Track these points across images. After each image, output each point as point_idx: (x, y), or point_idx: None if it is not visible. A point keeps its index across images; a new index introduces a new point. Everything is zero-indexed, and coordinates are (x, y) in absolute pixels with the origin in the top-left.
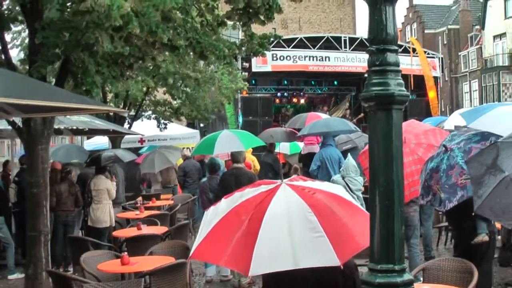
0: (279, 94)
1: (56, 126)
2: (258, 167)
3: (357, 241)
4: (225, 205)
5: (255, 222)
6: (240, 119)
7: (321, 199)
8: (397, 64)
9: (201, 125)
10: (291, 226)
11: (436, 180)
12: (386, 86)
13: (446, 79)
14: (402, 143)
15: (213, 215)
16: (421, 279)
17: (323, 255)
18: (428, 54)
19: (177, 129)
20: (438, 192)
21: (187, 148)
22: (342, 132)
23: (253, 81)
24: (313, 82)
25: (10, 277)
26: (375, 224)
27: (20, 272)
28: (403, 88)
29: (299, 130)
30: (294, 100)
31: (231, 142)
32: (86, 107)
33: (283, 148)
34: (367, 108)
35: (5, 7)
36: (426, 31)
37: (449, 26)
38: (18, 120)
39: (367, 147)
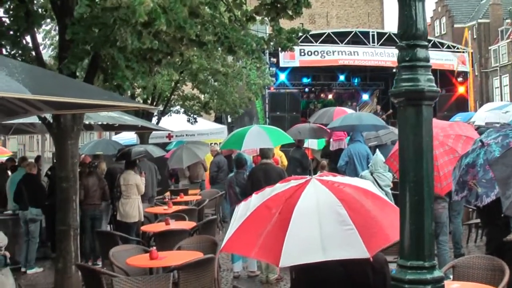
0: (306, 89)
1: (85, 122)
2: (285, 162)
3: (387, 233)
4: (256, 199)
5: (285, 215)
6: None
7: (350, 193)
8: (427, 59)
9: (229, 120)
10: (321, 219)
11: (472, 175)
12: (416, 82)
13: (476, 74)
14: (432, 139)
15: (244, 210)
16: (451, 276)
17: (352, 247)
18: (458, 48)
19: (204, 125)
20: (475, 187)
21: (215, 143)
22: (373, 128)
23: (281, 77)
24: (341, 78)
25: (29, 271)
26: (405, 220)
27: (39, 267)
28: (433, 84)
29: (326, 125)
30: (322, 95)
31: (259, 138)
32: (115, 104)
33: (311, 143)
34: (396, 104)
35: (36, 3)
36: (455, 25)
37: (479, 20)
38: (48, 116)
39: (394, 149)
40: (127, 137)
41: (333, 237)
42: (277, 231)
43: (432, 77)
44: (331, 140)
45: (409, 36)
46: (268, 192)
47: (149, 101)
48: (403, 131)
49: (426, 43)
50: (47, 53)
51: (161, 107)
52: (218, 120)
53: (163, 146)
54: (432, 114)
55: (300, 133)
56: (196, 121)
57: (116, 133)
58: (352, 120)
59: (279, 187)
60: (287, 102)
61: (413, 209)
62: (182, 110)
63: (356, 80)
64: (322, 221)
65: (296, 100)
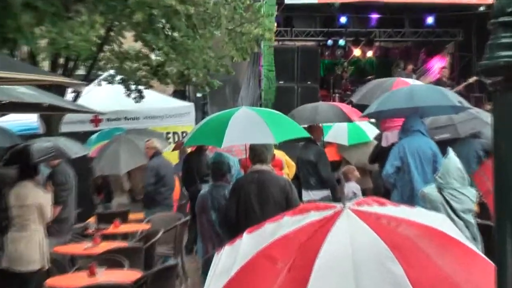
0: (329, 41)
1: None
2: (293, 169)
3: None
4: (250, 243)
5: (300, 272)
6: (263, 85)
7: (408, 235)
8: None
9: (198, 94)
10: (360, 279)
11: None
12: None
13: None
14: None
15: (230, 260)
16: None
17: None
18: None
19: (157, 102)
20: None
21: (174, 133)
22: (438, 112)
23: (286, 21)
24: (389, 22)
25: None
26: (506, 276)
27: None
28: None
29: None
30: (356, 51)
31: (252, 128)
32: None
33: (337, 134)
34: (490, 85)
35: None
36: None
37: None
38: None
39: (487, 163)
40: (24, 123)
41: None
42: None
43: None
44: (384, 132)
45: None
46: (269, 231)
47: (59, 62)
48: (503, 129)
49: None
50: None
51: (81, 71)
52: (179, 94)
53: (84, 137)
54: None
55: (317, 114)
56: (143, 97)
57: (2, 115)
58: (397, 100)
59: (288, 223)
60: (297, 64)
61: None
62: (119, 77)
63: (415, 27)
64: (361, 283)
65: (312, 60)
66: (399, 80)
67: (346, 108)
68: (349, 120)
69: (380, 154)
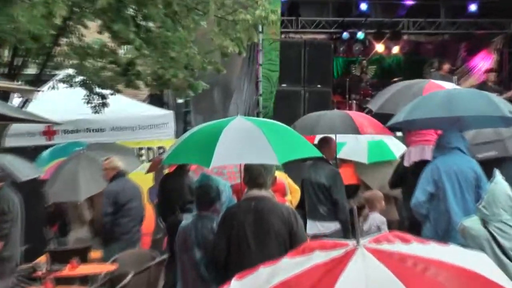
0: (345, 34)
1: None
2: (297, 195)
3: None
4: None
5: None
6: (268, 87)
7: (440, 281)
8: None
9: (179, 100)
10: None
11: None
12: None
13: None
14: None
15: None
16: None
17: None
18: None
19: (127, 109)
20: None
21: (148, 148)
22: (483, 124)
23: (291, 9)
24: (421, 11)
25: None
26: None
27: None
28: None
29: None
30: (379, 47)
31: (250, 143)
32: None
33: (354, 150)
34: None
35: None
36: None
37: None
38: None
39: None
40: None
41: None
42: None
43: None
44: (407, 147)
45: None
46: (265, 277)
47: (3, 59)
48: None
49: None
50: None
51: (32, 70)
52: (155, 100)
53: (34, 154)
54: None
55: (317, 124)
56: (106, 104)
57: None
58: (433, 107)
59: (288, 267)
60: (304, 62)
61: None
62: (79, 78)
63: (453, 16)
64: None
65: (324, 58)
66: (432, 84)
67: (362, 118)
68: (358, 132)
69: (403, 176)
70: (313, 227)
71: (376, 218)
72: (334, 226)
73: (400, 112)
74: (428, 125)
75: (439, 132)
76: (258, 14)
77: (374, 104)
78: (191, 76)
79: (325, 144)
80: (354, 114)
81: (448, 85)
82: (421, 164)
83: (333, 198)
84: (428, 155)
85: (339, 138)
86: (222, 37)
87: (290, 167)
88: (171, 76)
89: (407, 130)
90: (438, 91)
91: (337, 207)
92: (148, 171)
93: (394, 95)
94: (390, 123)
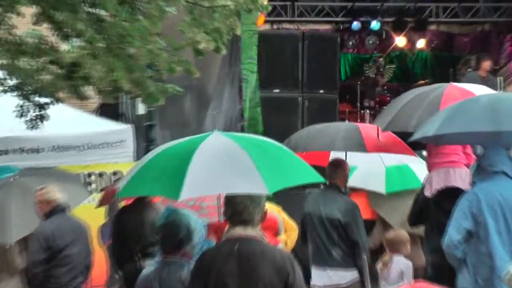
0: (355, 24)
1: None
2: (294, 233)
3: None
4: None
5: None
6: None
7: None
8: None
9: (141, 111)
10: None
11: None
12: None
13: None
14: None
15: None
16: None
17: None
18: None
19: (72, 122)
20: None
21: (99, 174)
22: None
23: None
24: None
25: None
26: None
27: None
28: None
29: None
30: (399, 41)
31: (232, 167)
32: None
33: (368, 176)
34: None
35: None
36: None
37: None
38: None
39: None
40: None
41: None
42: None
43: None
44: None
45: None
46: None
47: None
48: None
49: None
50: None
51: None
52: (109, 110)
53: None
54: None
55: (313, 139)
56: (44, 118)
57: None
58: (472, 120)
59: None
60: (302, 60)
61: None
62: (12, 82)
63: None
64: None
65: (328, 55)
66: (453, 88)
67: (373, 131)
68: (364, 149)
69: (423, 209)
70: (322, 276)
71: (400, 263)
72: (351, 275)
73: (427, 124)
74: (459, 140)
75: (468, 150)
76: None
77: (381, 121)
78: (155, 78)
79: (336, 168)
80: (364, 127)
81: (480, 89)
82: (447, 193)
83: (351, 239)
84: (455, 181)
85: (349, 160)
86: (195, 29)
87: (284, 197)
88: (122, 80)
89: (432, 146)
90: (479, 96)
91: (357, 250)
92: (100, 204)
93: (405, 107)
94: (414, 138)
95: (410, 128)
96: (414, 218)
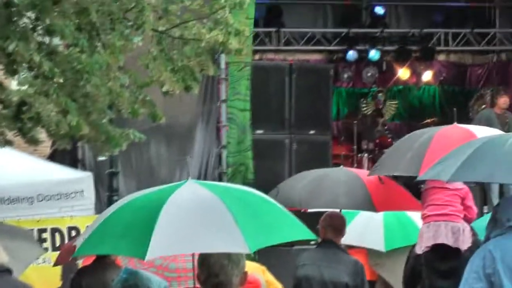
0: (351, 53)
1: None
2: None
3: None
4: None
5: None
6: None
7: None
8: None
9: (101, 157)
10: None
11: None
12: None
13: None
14: None
15: None
16: None
17: None
18: None
19: (22, 170)
20: None
21: (54, 230)
22: None
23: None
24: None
25: None
26: None
27: None
28: None
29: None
30: (402, 72)
31: (209, 223)
32: None
33: (365, 232)
34: None
35: None
36: None
37: None
38: None
39: None
40: None
41: None
42: None
43: None
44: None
45: None
46: None
47: None
48: None
49: None
50: None
51: None
52: (65, 156)
53: None
54: None
55: (310, 194)
56: None
57: None
58: (487, 166)
59: None
60: (290, 96)
61: None
62: None
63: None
64: None
65: (320, 89)
66: (447, 130)
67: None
68: (373, 208)
69: (414, 269)
70: None
71: None
72: None
73: (439, 164)
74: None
75: (469, 202)
76: (214, 36)
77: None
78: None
79: (331, 221)
80: (369, 179)
81: (484, 131)
82: (437, 250)
83: None
84: (445, 237)
85: None
86: (161, 67)
87: (270, 255)
88: (75, 122)
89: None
90: (504, 138)
91: None
92: (55, 264)
93: (395, 149)
94: (423, 177)
95: (396, 171)
96: (408, 281)
